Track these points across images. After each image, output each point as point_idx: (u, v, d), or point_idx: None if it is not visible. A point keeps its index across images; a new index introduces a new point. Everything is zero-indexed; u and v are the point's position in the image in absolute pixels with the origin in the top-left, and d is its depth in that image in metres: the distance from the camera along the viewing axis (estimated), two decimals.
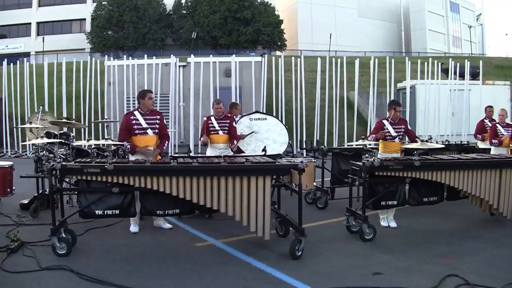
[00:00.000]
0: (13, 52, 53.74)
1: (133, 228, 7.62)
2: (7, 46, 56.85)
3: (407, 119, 19.86)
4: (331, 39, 49.29)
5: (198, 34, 49.22)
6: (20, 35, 58.51)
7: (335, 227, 8.05)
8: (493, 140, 10.35)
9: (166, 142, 8.19)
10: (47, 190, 8.58)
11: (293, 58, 20.08)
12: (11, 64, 21.30)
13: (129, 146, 7.64)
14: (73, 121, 11.18)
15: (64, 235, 6.34)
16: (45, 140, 7.69)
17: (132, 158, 7.66)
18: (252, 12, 50.07)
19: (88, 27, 55.36)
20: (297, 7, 61.21)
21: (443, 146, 9.48)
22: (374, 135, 8.79)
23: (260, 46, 51.82)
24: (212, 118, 9.57)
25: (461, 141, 13.08)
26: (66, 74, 20.03)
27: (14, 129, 19.86)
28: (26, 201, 9.18)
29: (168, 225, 7.90)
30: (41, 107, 11.11)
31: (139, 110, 7.91)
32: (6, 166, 8.42)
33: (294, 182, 7.04)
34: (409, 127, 9.17)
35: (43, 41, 51.21)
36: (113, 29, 51.17)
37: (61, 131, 9.80)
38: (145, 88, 18.10)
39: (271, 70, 20.08)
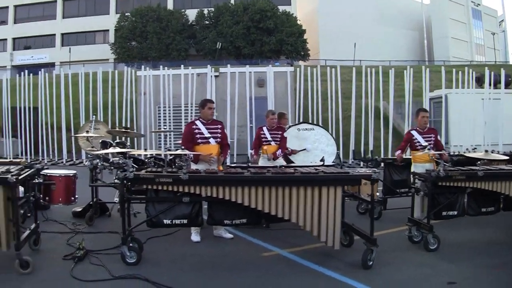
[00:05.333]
0: (37, 62, 54.29)
1: (195, 237, 7.63)
2: (32, 56, 57.72)
3: (442, 129, 19.75)
4: (354, 48, 49.33)
5: (222, 45, 49.28)
6: (45, 46, 59.15)
7: (394, 237, 7.99)
8: None
9: (228, 150, 8.21)
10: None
11: (328, 68, 20.01)
12: (47, 74, 21.45)
13: (191, 156, 7.64)
14: (131, 131, 11.23)
15: (132, 244, 6.37)
16: (117, 149, 7.73)
17: (193, 167, 7.68)
18: (274, 22, 50.05)
19: (111, 38, 55.72)
20: (317, 17, 61.11)
21: (508, 157, 9.28)
22: (398, 152, 8.79)
23: (283, 56, 51.78)
24: (265, 128, 9.51)
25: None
26: (95, 84, 20.20)
27: (45, 136, 20.40)
28: (79, 209, 9.19)
29: (229, 235, 7.87)
30: (93, 116, 11.16)
31: (200, 119, 7.94)
32: (70, 174, 8.47)
33: (362, 193, 7.05)
34: (438, 137, 9.09)
35: (70, 51, 51.79)
36: (136, 40, 51.44)
37: (117, 141, 9.82)
38: (182, 98, 18.25)
39: (302, 80, 19.96)
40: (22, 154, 20.72)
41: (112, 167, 8.93)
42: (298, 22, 53.39)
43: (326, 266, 6.32)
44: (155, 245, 7.21)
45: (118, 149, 7.81)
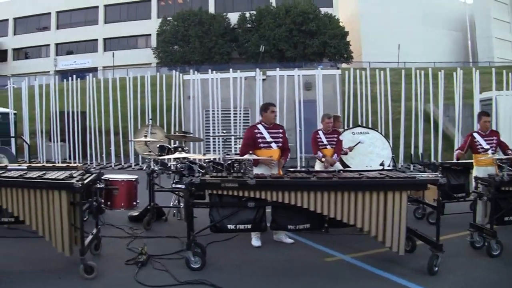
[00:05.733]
0: (81, 67, 55.25)
1: (256, 242, 7.62)
2: (75, 61, 58.69)
3: None
4: (396, 50, 48.84)
5: (264, 48, 49.25)
6: (87, 51, 60.12)
7: (455, 243, 7.80)
8: None
9: (288, 154, 8.19)
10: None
11: (377, 70, 19.82)
12: (94, 78, 21.70)
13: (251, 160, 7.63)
14: (190, 135, 11.30)
15: (196, 249, 6.40)
16: (183, 154, 7.78)
17: (255, 171, 7.69)
18: (317, 24, 49.63)
19: (153, 42, 56.33)
20: (359, 18, 60.56)
21: None
22: (458, 151, 8.71)
23: (326, 58, 51.48)
24: (320, 132, 9.49)
25: None
26: (143, 88, 20.39)
27: (93, 140, 20.64)
28: (135, 213, 9.26)
29: (289, 240, 7.83)
30: (150, 120, 11.27)
31: (262, 123, 7.95)
32: (132, 179, 8.55)
33: (426, 198, 6.99)
34: (501, 138, 8.98)
35: (113, 56, 52.54)
36: (179, 44, 51.68)
37: (175, 145, 9.88)
38: (230, 101, 18.30)
39: (352, 83, 19.83)
40: (70, 158, 20.99)
41: (171, 172, 8.99)
42: (341, 24, 52.96)
43: (391, 271, 6.27)
44: (216, 250, 7.22)
45: (184, 154, 7.85)
